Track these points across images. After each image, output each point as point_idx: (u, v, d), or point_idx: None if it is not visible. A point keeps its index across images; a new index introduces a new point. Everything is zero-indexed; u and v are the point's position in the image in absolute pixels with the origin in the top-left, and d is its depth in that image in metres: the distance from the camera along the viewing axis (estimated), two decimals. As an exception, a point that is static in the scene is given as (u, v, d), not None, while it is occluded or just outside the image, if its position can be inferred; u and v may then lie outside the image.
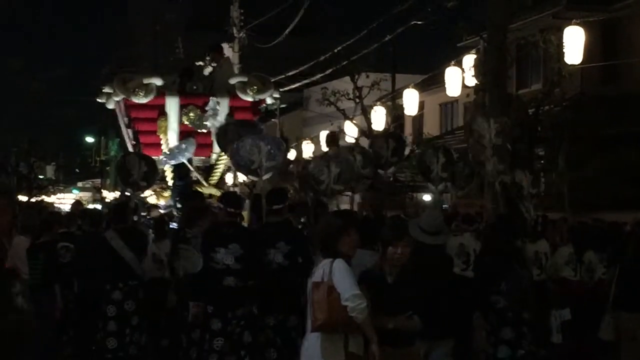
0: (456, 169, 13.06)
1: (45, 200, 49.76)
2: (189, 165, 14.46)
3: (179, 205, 13.97)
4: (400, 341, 6.70)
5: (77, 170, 69.17)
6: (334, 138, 14.98)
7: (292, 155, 24.96)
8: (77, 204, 15.68)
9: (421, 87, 25.20)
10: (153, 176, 12.53)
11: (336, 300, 6.23)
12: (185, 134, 14.94)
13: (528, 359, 8.87)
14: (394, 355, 6.72)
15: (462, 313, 10.58)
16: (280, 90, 18.60)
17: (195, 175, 14.75)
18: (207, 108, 15.06)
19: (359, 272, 6.78)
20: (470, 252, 11.22)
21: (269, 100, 16.40)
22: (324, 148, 23.07)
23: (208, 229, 9.65)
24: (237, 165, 11.50)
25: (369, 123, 25.87)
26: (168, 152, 14.47)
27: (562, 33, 16.34)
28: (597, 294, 11.73)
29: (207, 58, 16.29)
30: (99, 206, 47.73)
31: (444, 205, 13.95)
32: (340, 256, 6.39)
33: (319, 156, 11.78)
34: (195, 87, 15.61)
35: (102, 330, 10.19)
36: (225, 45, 28.01)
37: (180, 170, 14.53)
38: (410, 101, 22.21)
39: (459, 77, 18.81)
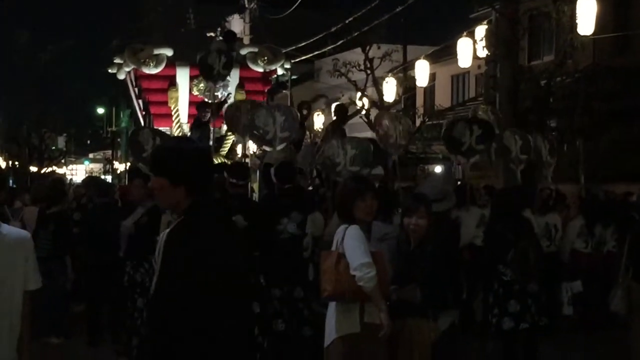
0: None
1: (56, 171, 49.86)
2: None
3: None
4: (403, 312, 6.64)
5: (88, 141, 69.23)
6: (343, 110, 14.92)
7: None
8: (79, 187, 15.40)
9: (432, 59, 25.03)
10: None
11: (344, 269, 6.13)
12: (195, 105, 14.94)
13: (531, 332, 8.85)
14: (406, 325, 6.69)
15: (469, 282, 10.57)
16: (291, 61, 18.52)
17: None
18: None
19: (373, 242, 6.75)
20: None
21: (279, 71, 16.37)
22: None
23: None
24: (252, 135, 11.47)
25: (380, 94, 25.78)
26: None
27: (575, 3, 16.19)
28: (607, 266, 11.73)
29: (220, 37, 16.26)
30: (109, 177, 47.91)
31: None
32: (356, 222, 6.29)
33: (333, 139, 11.67)
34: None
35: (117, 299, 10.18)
36: (236, 16, 27.99)
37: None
38: (422, 72, 22.10)
39: (471, 49, 18.68)
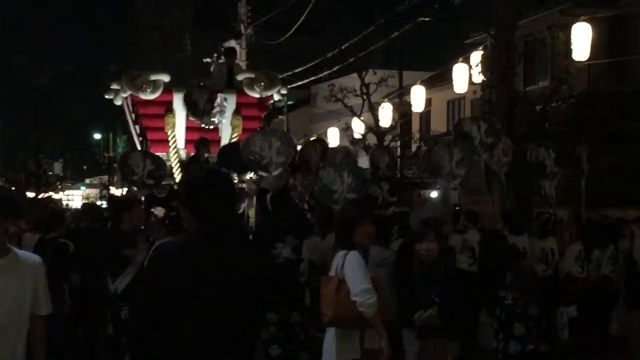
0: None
1: (53, 197, 49.74)
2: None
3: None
4: (425, 335, 6.69)
5: (85, 167, 69.16)
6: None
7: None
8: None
9: (428, 84, 25.14)
10: (160, 173, 12.49)
11: (345, 295, 6.14)
12: (192, 130, 14.99)
13: (535, 355, 8.90)
14: (428, 346, 6.72)
15: (467, 308, 10.57)
16: (288, 87, 18.58)
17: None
18: (214, 104, 15.06)
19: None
20: (474, 246, 11.23)
21: (276, 97, 16.41)
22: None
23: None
24: (248, 160, 11.51)
25: (376, 120, 25.87)
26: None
27: (570, 30, 16.30)
28: (601, 290, 11.74)
29: (220, 60, 16.30)
30: (105, 203, 47.78)
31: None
32: (355, 247, 6.31)
33: (330, 165, 11.71)
34: (202, 84, 15.61)
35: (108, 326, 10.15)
36: (232, 42, 28.05)
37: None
38: (418, 98, 22.17)
39: (466, 74, 18.78)
